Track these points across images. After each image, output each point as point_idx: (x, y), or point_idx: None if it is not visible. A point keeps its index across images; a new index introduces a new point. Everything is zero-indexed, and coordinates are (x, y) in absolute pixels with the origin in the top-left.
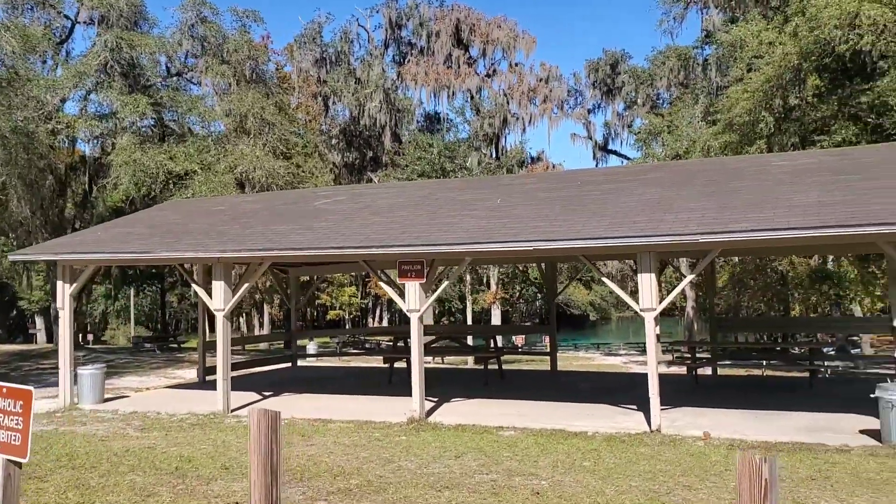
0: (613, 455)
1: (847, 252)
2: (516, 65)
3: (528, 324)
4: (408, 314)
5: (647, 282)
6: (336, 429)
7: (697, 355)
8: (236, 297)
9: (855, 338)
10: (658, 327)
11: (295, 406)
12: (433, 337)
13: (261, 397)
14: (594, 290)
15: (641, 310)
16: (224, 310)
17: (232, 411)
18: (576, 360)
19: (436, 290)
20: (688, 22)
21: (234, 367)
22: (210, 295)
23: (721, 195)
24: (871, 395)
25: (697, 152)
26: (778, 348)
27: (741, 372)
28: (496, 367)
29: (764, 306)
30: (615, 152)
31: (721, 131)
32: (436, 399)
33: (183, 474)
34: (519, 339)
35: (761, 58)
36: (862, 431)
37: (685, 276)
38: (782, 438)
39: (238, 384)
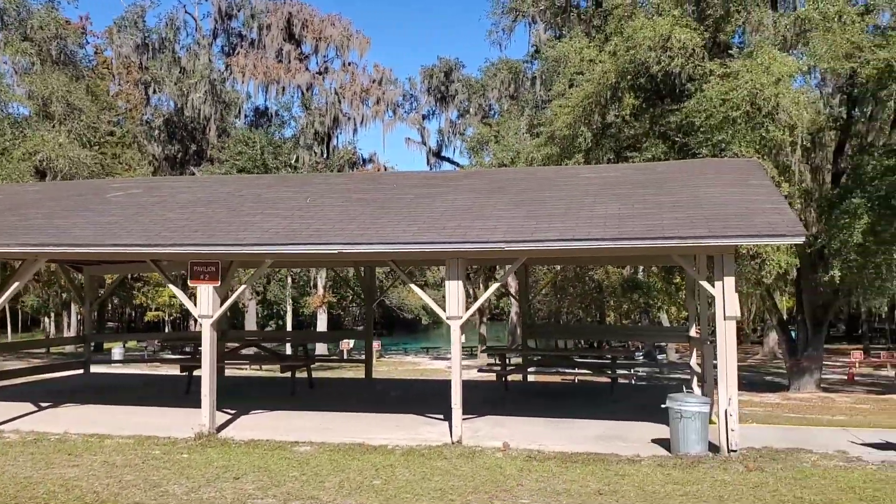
0: (409, 471)
1: (650, 263)
2: (349, 64)
3: (358, 328)
4: (199, 320)
5: (454, 289)
6: (112, 446)
7: (512, 361)
8: (4, 297)
9: (662, 344)
10: (465, 335)
11: (73, 419)
12: (238, 344)
13: (36, 409)
14: (428, 293)
15: (448, 318)
16: None
17: None
18: (402, 365)
19: (232, 295)
20: (519, 36)
21: (9, 374)
22: None
23: (530, 204)
24: (663, 406)
25: (522, 163)
26: (577, 357)
27: (556, 378)
28: (306, 375)
29: (582, 312)
30: (448, 159)
31: (543, 144)
32: (234, 411)
33: None
34: (345, 345)
35: (582, 74)
36: (654, 441)
37: (499, 283)
38: (579, 448)
39: (13, 395)
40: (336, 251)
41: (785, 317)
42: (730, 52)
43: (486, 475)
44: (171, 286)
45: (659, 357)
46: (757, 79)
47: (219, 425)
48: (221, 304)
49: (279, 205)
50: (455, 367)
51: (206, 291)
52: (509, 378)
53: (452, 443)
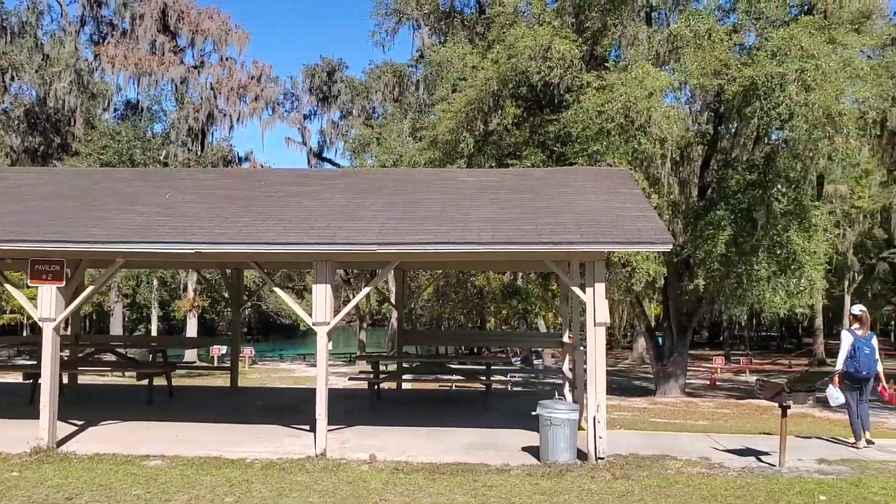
0: (266, 486)
1: (524, 269)
2: (227, 59)
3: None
4: (40, 323)
5: (321, 293)
6: None
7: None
8: None
9: (539, 349)
10: (344, 341)
11: None
12: (91, 350)
13: None
14: (306, 298)
15: (314, 323)
16: None
17: None
18: (276, 372)
19: (78, 296)
20: (403, 39)
21: None
22: None
23: (405, 206)
24: (533, 413)
25: (405, 166)
26: (452, 363)
27: (434, 385)
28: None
29: (464, 318)
30: (330, 160)
31: (426, 148)
32: (81, 423)
33: None
34: (216, 351)
35: (465, 80)
36: (525, 448)
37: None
38: (449, 458)
39: None
40: (193, 251)
41: (653, 323)
42: (606, 64)
43: (348, 490)
44: (7, 286)
45: (536, 362)
46: (631, 92)
47: (61, 439)
48: (66, 307)
49: (138, 200)
50: (321, 376)
51: (48, 292)
52: (385, 386)
53: (316, 455)
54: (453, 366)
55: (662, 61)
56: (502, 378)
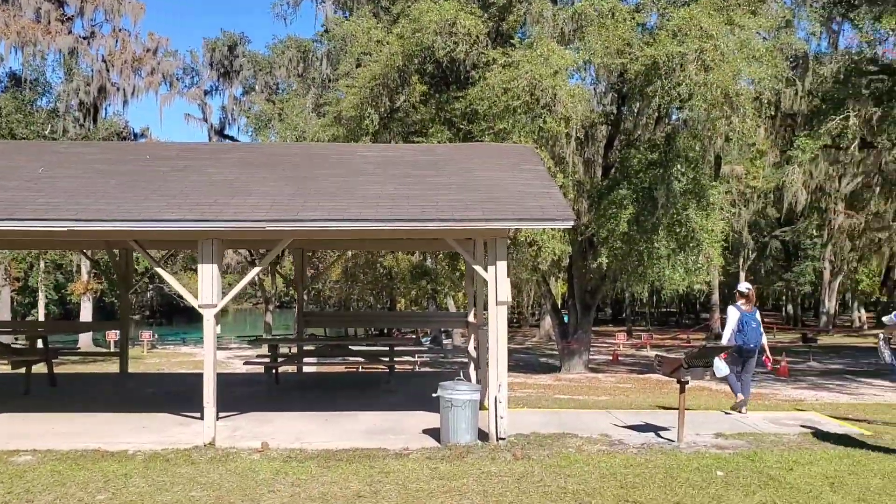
0: (146, 480)
1: (426, 248)
2: (120, 30)
3: (139, 317)
4: None
5: (208, 273)
6: None
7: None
8: None
9: (448, 329)
10: (219, 326)
11: None
12: None
13: None
14: (227, 279)
15: (200, 306)
16: None
17: None
18: (175, 356)
19: None
20: (307, 13)
21: None
22: None
23: (300, 181)
24: (434, 395)
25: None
26: (354, 345)
27: (340, 368)
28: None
29: (373, 299)
30: (232, 138)
31: (330, 124)
32: None
33: None
34: (111, 336)
35: (370, 55)
36: (425, 431)
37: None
38: (346, 444)
39: None
40: (65, 229)
41: (559, 302)
42: (512, 41)
43: (235, 481)
44: None
45: (445, 342)
46: (536, 70)
47: None
48: None
49: (5, 175)
50: (208, 361)
51: None
52: (290, 370)
53: (205, 445)
54: (355, 347)
55: (567, 40)
56: (410, 359)
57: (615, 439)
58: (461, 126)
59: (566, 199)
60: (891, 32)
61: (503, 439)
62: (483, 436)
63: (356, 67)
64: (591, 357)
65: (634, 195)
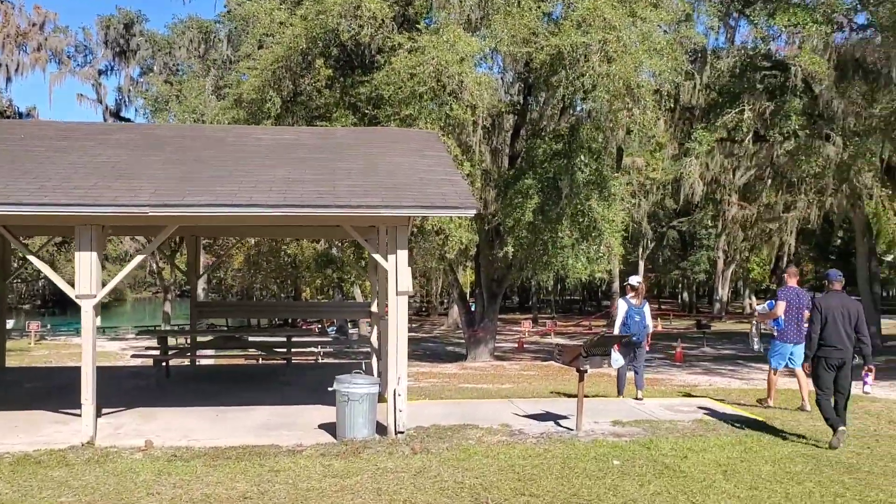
0: (11, 485)
1: (327, 236)
2: (2, 2)
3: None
4: None
5: (86, 262)
6: None
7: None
8: None
9: (355, 318)
10: (100, 317)
11: None
12: None
13: None
14: (108, 269)
15: (78, 296)
16: None
17: None
18: (67, 348)
19: None
20: None
21: None
22: None
23: (190, 164)
24: (330, 389)
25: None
26: (251, 337)
27: (239, 361)
28: None
29: (278, 288)
30: (128, 120)
31: (230, 107)
32: None
33: None
34: (34, 326)
35: (273, 37)
36: (322, 426)
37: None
38: (236, 441)
39: None
40: None
41: (467, 290)
42: (418, 26)
43: (112, 484)
44: None
45: (351, 332)
46: (442, 56)
47: None
48: None
49: None
50: (87, 354)
51: None
52: (185, 362)
53: (82, 445)
54: (251, 339)
55: (474, 27)
56: (313, 350)
57: (515, 429)
58: (366, 111)
59: (473, 187)
60: (783, 29)
61: (402, 433)
62: (382, 430)
63: (258, 49)
64: (497, 345)
65: (540, 185)
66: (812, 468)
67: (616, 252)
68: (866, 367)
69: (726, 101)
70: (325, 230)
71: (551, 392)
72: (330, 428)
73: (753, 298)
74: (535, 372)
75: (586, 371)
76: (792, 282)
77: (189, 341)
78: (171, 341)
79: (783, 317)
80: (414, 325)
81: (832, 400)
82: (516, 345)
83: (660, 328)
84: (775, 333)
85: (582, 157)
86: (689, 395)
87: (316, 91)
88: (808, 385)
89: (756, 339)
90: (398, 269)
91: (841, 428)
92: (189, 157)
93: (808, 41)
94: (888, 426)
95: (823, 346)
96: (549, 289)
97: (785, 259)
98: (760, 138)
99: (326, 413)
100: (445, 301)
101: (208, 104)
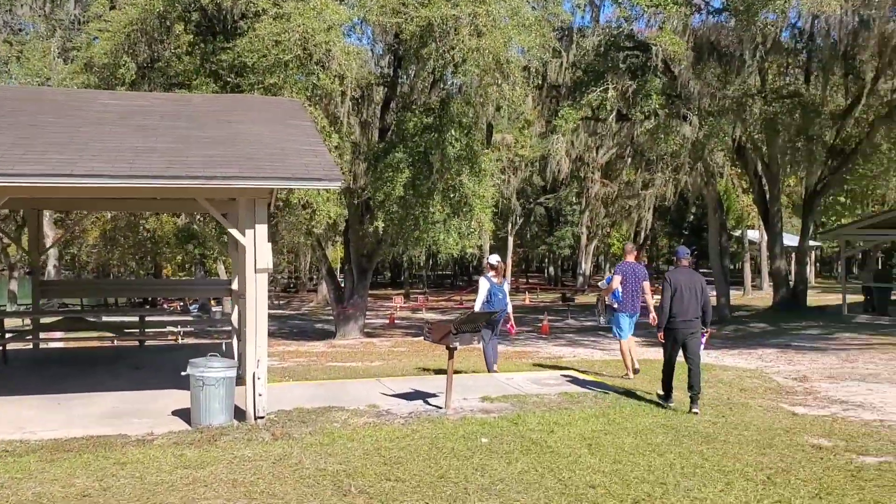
0: None
1: (183, 209)
2: None
3: None
4: None
5: None
6: None
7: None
8: None
9: (216, 297)
10: None
11: None
12: None
13: None
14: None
15: None
16: None
17: None
18: None
19: None
20: None
21: None
22: None
23: (24, 130)
24: (183, 373)
25: None
26: (90, 317)
27: (94, 343)
28: None
29: (136, 265)
30: None
31: (80, 71)
32: None
33: None
34: None
35: None
36: (176, 412)
37: None
38: (79, 432)
39: None
40: None
41: (338, 266)
42: None
43: None
44: None
45: (215, 310)
46: (309, 24)
47: None
48: None
49: None
50: None
51: None
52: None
53: None
54: (104, 319)
55: None
56: (173, 330)
57: (383, 409)
58: (229, 79)
59: (342, 160)
60: (646, 10)
61: (262, 418)
62: (241, 415)
63: (110, 10)
64: (367, 321)
65: (411, 159)
66: (672, 439)
67: (486, 228)
68: (705, 331)
69: (591, 79)
70: (181, 203)
71: (421, 369)
72: (185, 414)
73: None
74: (405, 348)
75: (455, 349)
76: (629, 258)
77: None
78: (12, 323)
79: (621, 289)
80: (282, 302)
81: (675, 370)
82: (388, 321)
83: (527, 301)
84: (615, 306)
85: (453, 132)
86: (556, 368)
87: (175, 57)
88: (630, 356)
89: (601, 312)
90: (257, 245)
91: (674, 395)
92: (23, 121)
93: (669, 21)
94: (739, 394)
95: (673, 318)
96: (422, 264)
97: (643, 234)
98: (623, 117)
99: (182, 398)
100: (315, 277)
101: (54, 68)
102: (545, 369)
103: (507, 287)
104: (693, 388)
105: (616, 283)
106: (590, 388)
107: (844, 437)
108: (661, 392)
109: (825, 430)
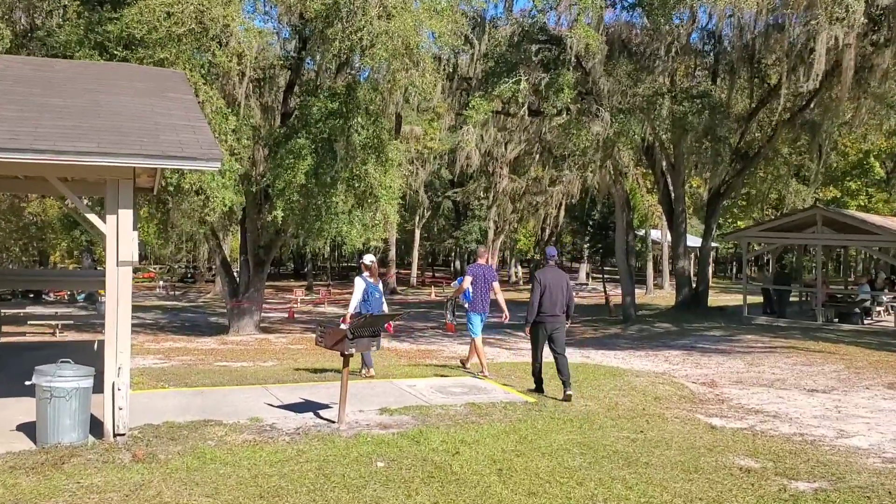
0: None
1: (26, 190)
2: None
3: None
4: None
5: None
6: None
7: None
8: None
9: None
10: None
11: None
12: None
13: None
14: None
15: None
16: None
17: None
18: None
19: None
20: None
21: None
22: None
23: None
24: (28, 383)
25: None
26: None
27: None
28: None
29: (19, 251)
30: None
31: None
32: None
33: None
34: None
35: None
36: (22, 427)
37: None
38: None
39: None
40: None
41: (236, 257)
42: None
43: None
44: None
45: (101, 301)
46: None
47: None
48: None
49: None
50: None
51: None
52: None
53: None
54: None
55: None
56: (51, 322)
57: (267, 424)
58: (116, 52)
59: (240, 144)
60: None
61: (122, 435)
62: (100, 429)
63: None
64: (266, 315)
65: (314, 146)
66: (591, 461)
67: (392, 220)
68: (567, 323)
69: (503, 70)
70: (32, 183)
71: (316, 370)
72: (32, 429)
73: (519, 268)
74: (302, 346)
75: (351, 355)
76: (481, 260)
77: None
78: None
79: (472, 290)
80: (178, 293)
81: (543, 364)
82: (287, 315)
83: (433, 296)
84: (466, 305)
85: (359, 119)
86: (462, 374)
87: (57, 26)
88: (481, 355)
89: (449, 312)
90: (119, 235)
91: (544, 387)
92: None
93: (585, 14)
94: (654, 403)
95: (542, 313)
96: (326, 256)
97: (548, 231)
98: (534, 113)
99: (34, 409)
100: (214, 267)
101: None
102: (450, 375)
103: (381, 287)
104: (562, 373)
105: (467, 283)
106: (498, 398)
107: (771, 457)
108: (534, 385)
109: (749, 447)
